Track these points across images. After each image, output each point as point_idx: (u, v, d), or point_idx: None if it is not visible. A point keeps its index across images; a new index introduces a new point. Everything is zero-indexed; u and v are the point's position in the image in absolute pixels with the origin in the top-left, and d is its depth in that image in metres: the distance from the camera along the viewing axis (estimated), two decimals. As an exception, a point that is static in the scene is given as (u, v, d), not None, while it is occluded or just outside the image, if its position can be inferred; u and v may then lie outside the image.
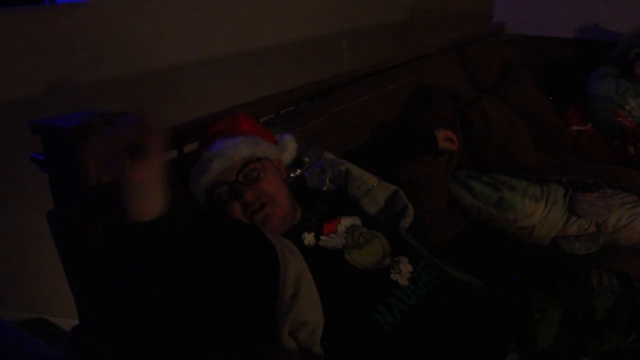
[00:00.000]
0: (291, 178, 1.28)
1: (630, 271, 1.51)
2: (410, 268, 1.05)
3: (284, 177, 1.21)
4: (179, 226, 0.85)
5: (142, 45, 2.23)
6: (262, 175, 1.10)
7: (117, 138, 0.77)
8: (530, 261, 1.63)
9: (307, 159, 1.31)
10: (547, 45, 3.02)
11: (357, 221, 1.15)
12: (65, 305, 1.56)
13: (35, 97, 1.93)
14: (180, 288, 0.85)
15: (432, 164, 1.67)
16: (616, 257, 1.61)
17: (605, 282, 1.11)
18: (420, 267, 1.07)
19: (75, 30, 2.00)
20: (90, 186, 1.05)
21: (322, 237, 1.08)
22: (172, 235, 0.84)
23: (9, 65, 1.87)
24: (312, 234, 1.09)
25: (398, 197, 1.31)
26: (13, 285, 2.05)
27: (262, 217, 1.07)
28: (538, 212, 1.69)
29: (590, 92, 2.56)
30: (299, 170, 1.30)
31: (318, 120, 1.58)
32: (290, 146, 1.26)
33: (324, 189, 1.29)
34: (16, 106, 1.88)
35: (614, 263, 1.56)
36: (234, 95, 1.71)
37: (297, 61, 3.00)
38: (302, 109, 1.66)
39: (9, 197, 1.93)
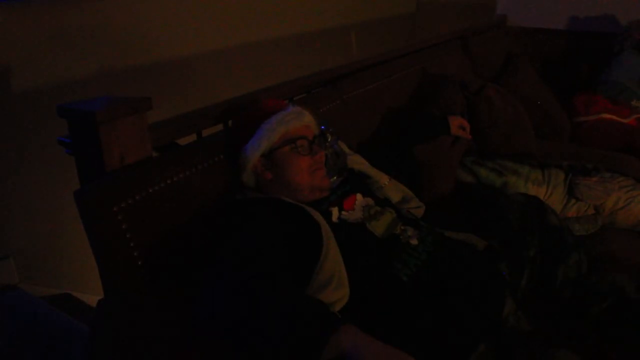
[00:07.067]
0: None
1: (627, 252, 1.57)
2: (417, 233, 1.20)
3: None
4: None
5: (158, 37, 2.29)
6: (325, 146, 1.28)
7: None
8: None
9: (328, 135, 1.33)
10: (546, 36, 3.09)
11: (370, 202, 1.27)
12: (90, 281, 1.61)
13: (60, 86, 1.99)
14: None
15: (446, 148, 1.72)
16: (613, 238, 1.64)
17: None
18: (424, 233, 1.22)
19: (97, 23, 2.07)
20: (114, 167, 1.10)
21: (343, 212, 1.21)
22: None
23: (36, 55, 1.93)
24: (336, 208, 1.21)
25: (408, 199, 1.45)
26: (41, 263, 2.13)
27: (322, 175, 1.23)
28: (540, 195, 1.74)
29: None
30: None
31: (330, 106, 1.63)
32: None
33: (332, 179, 1.31)
34: (43, 93, 1.95)
35: (611, 243, 1.60)
36: (245, 85, 1.75)
37: (307, 53, 3.04)
38: (315, 95, 1.70)
39: (37, 179, 2.00)
